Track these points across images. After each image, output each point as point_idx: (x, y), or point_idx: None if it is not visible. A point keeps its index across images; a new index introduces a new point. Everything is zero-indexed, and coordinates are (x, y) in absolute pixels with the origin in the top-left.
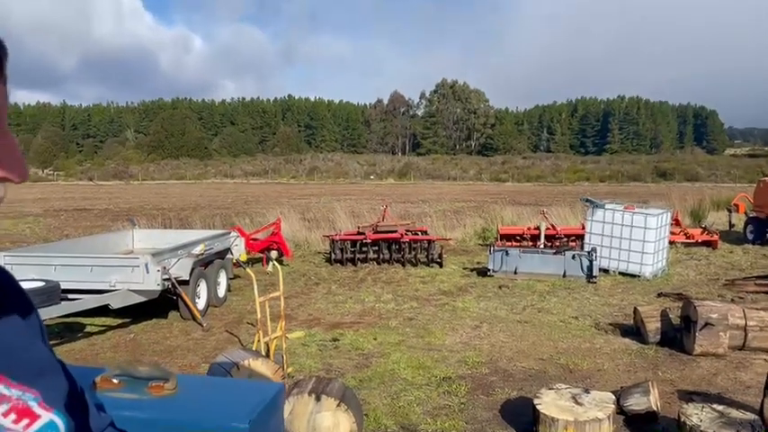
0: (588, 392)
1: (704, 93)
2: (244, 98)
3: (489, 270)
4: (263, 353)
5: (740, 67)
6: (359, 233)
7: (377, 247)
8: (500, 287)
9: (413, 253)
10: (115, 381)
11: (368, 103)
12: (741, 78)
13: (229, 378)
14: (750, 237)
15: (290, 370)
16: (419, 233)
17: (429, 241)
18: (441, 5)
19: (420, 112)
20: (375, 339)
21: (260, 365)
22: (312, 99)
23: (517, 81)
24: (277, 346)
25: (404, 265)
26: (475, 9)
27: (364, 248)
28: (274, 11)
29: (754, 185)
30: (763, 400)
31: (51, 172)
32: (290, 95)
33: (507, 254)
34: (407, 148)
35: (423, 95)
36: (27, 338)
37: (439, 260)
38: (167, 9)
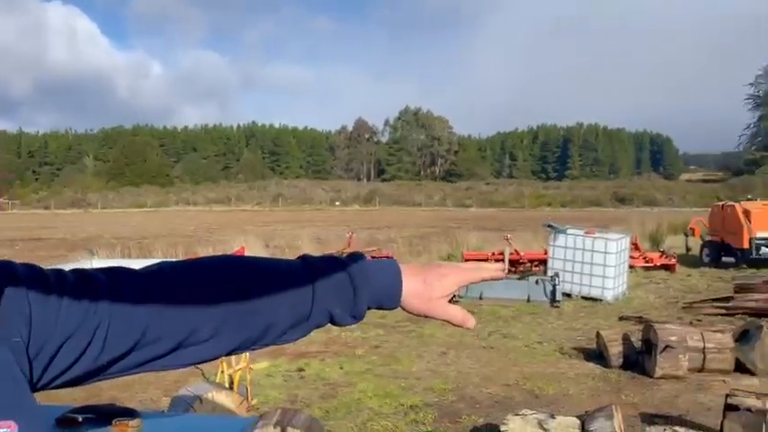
0: (554, 418)
1: (659, 120)
2: (206, 125)
3: (455, 296)
4: (227, 385)
5: (691, 94)
6: None
7: None
8: None
9: None
10: (79, 419)
11: (332, 130)
12: (693, 105)
13: (195, 414)
14: (706, 260)
15: (254, 402)
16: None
17: None
18: (403, 33)
19: (384, 139)
20: (341, 368)
21: (224, 398)
22: (276, 125)
23: (479, 108)
24: (241, 377)
25: None
26: (437, 37)
27: None
28: (234, 37)
29: (709, 210)
30: (722, 422)
31: (6, 201)
32: (253, 122)
33: None
34: (372, 174)
35: (387, 122)
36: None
37: None
38: (124, 34)
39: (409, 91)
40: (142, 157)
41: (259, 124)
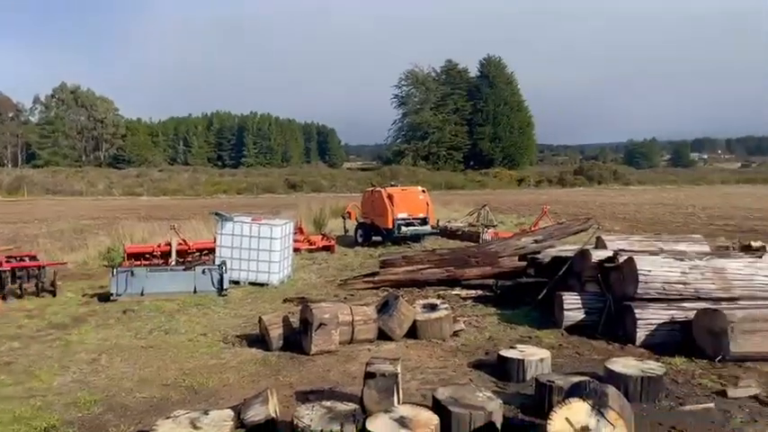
0: (207, 414)
1: (325, 113)
2: None
3: (113, 294)
4: None
5: (354, 91)
6: None
7: None
8: (124, 312)
9: (17, 283)
10: None
11: None
12: (354, 102)
13: None
14: (360, 240)
15: None
16: (26, 259)
17: (39, 267)
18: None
19: (35, 119)
20: None
21: None
22: None
23: (150, 91)
24: None
25: (5, 299)
26: (103, 13)
27: None
28: None
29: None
30: (362, 390)
31: None
32: None
33: (133, 274)
34: (20, 159)
35: (37, 100)
36: None
37: (52, 288)
38: None
39: (65, 68)
40: None
41: None
